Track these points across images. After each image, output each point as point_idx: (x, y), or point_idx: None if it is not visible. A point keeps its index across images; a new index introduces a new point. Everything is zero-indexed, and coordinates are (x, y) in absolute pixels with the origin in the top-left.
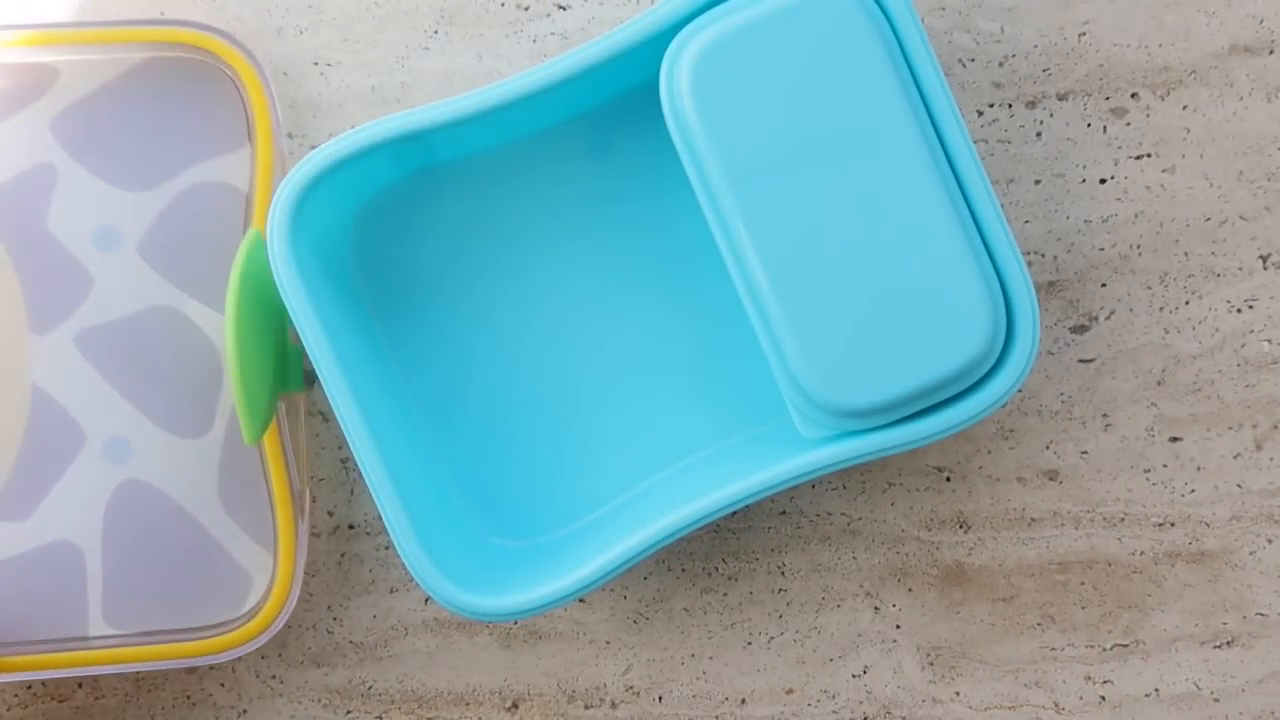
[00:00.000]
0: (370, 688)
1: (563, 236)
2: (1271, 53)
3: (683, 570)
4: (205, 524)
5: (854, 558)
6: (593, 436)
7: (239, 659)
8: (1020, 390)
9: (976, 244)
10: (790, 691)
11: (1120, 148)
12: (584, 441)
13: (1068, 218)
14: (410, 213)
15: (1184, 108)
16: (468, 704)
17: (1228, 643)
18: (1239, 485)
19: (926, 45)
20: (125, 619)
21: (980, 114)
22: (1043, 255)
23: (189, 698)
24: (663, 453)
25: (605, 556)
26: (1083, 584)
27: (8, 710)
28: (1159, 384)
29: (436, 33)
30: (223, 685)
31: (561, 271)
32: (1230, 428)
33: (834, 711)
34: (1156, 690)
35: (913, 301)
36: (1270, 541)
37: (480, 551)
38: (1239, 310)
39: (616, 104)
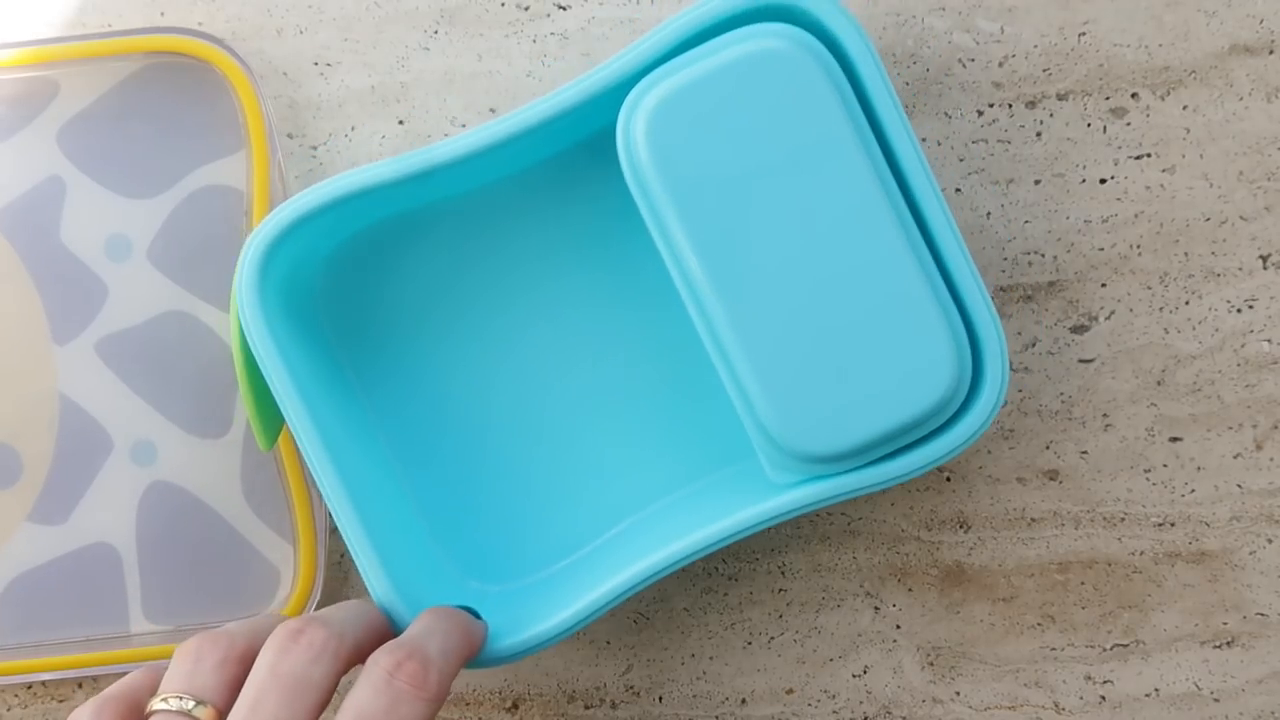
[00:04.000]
0: None
1: (532, 280)
2: (1271, 53)
3: (683, 570)
4: (232, 522)
5: (854, 558)
6: (567, 480)
7: None
8: (1020, 390)
9: (940, 288)
10: (790, 691)
11: (1120, 148)
12: (558, 485)
13: (1068, 218)
14: (379, 259)
15: (1184, 108)
16: (468, 704)
17: (1228, 643)
18: (1239, 485)
19: (889, 89)
20: (164, 615)
21: (980, 114)
22: (1043, 255)
23: None
24: (638, 495)
25: (581, 603)
26: (1083, 584)
27: (8, 710)
28: (1159, 384)
29: (436, 33)
30: None
31: (532, 315)
32: (1230, 428)
33: (834, 711)
34: (1156, 690)
35: (877, 347)
36: (1270, 541)
37: (457, 596)
38: (1239, 310)
39: (582, 148)
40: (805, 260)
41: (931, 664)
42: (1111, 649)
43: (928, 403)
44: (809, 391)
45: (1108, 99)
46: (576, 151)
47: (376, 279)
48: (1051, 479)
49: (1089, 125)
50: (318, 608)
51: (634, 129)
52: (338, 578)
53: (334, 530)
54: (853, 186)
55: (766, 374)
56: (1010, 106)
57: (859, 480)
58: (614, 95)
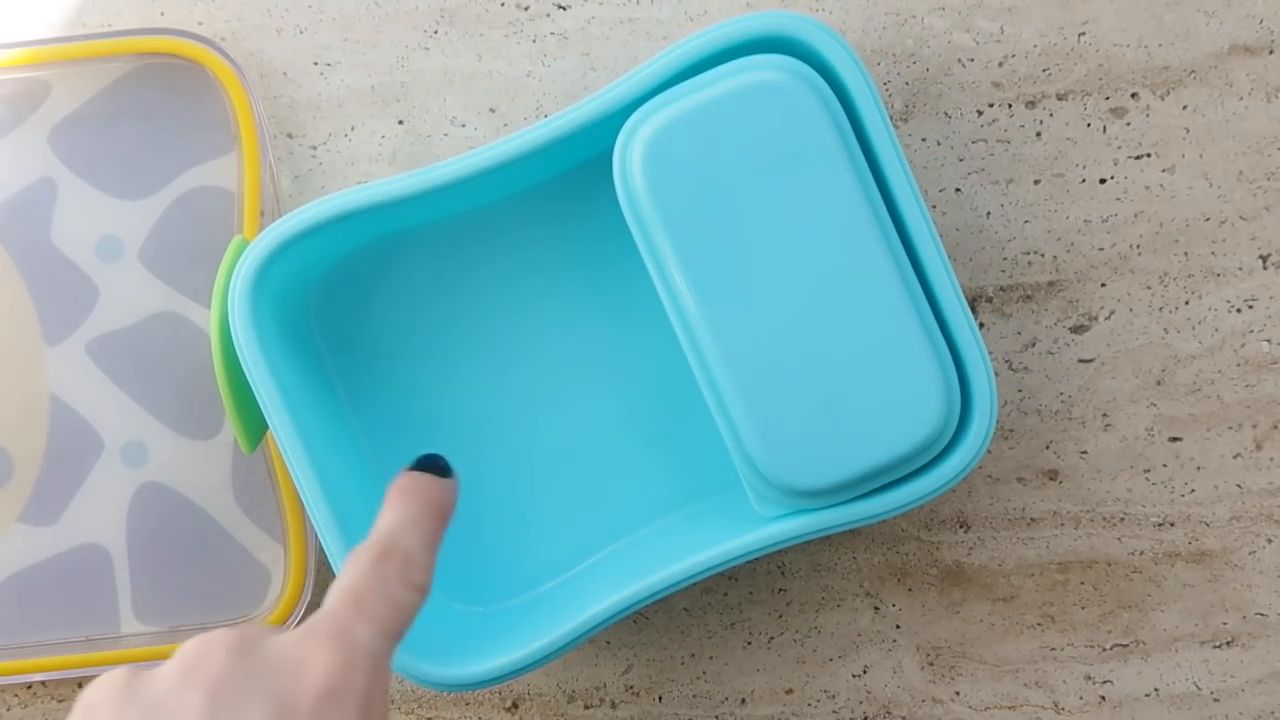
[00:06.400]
0: None
1: (525, 302)
2: (1271, 53)
3: None
4: (222, 522)
5: (854, 558)
6: (554, 503)
7: None
8: (1020, 390)
9: (931, 324)
10: (790, 691)
11: (1120, 148)
12: (545, 507)
13: (1068, 218)
14: (373, 278)
15: (1184, 108)
16: (468, 704)
17: (1228, 643)
18: (1239, 485)
19: (886, 122)
20: (155, 616)
21: (980, 114)
22: (1043, 255)
23: None
24: (623, 520)
25: (565, 628)
26: (1083, 584)
27: (8, 710)
28: (1159, 384)
29: (436, 33)
30: None
31: (523, 337)
32: (1230, 428)
33: (834, 711)
34: (1156, 690)
35: (866, 383)
36: (1270, 541)
37: (440, 616)
38: (1239, 310)
39: (578, 172)
40: (797, 294)
41: (931, 664)
42: (1111, 649)
43: (915, 440)
44: (797, 426)
45: (1108, 99)
46: (573, 175)
47: (370, 296)
48: (1051, 479)
49: (1089, 125)
50: (307, 610)
51: (630, 157)
52: (328, 579)
53: None
54: (847, 221)
55: (755, 407)
56: (1010, 106)
57: (844, 515)
58: (612, 121)
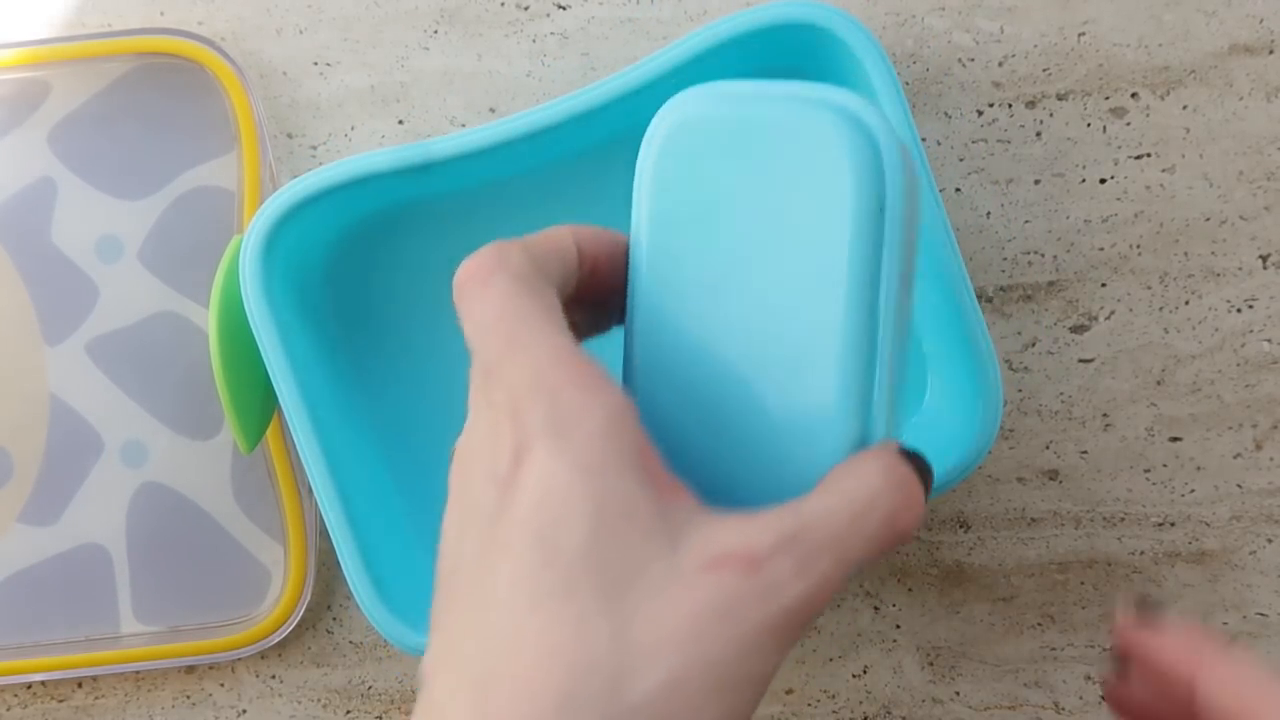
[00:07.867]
0: (370, 688)
1: None
2: (1271, 53)
3: None
4: (222, 522)
5: None
6: None
7: (239, 659)
8: (1020, 390)
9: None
10: (790, 691)
11: (1120, 148)
12: None
13: (1068, 218)
14: (385, 250)
15: (1184, 108)
16: None
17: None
18: (1239, 485)
19: (910, 123)
20: (155, 616)
21: (980, 114)
22: (1043, 255)
23: (189, 698)
24: None
25: None
26: (1083, 584)
27: (7, 710)
28: (1159, 384)
29: (436, 33)
30: (223, 685)
31: None
32: (1230, 428)
33: (834, 711)
34: None
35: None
36: (1270, 541)
37: None
38: (1239, 310)
39: (593, 152)
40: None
41: (931, 664)
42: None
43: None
44: None
45: (1108, 99)
46: (588, 154)
47: (379, 271)
48: (1051, 479)
49: (1089, 125)
50: (307, 610)
51: (655, 135)
52: (328, 578)
53: (324, 531)
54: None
55: None
56: (1010, 106)
57: None
58: (618, 107)
